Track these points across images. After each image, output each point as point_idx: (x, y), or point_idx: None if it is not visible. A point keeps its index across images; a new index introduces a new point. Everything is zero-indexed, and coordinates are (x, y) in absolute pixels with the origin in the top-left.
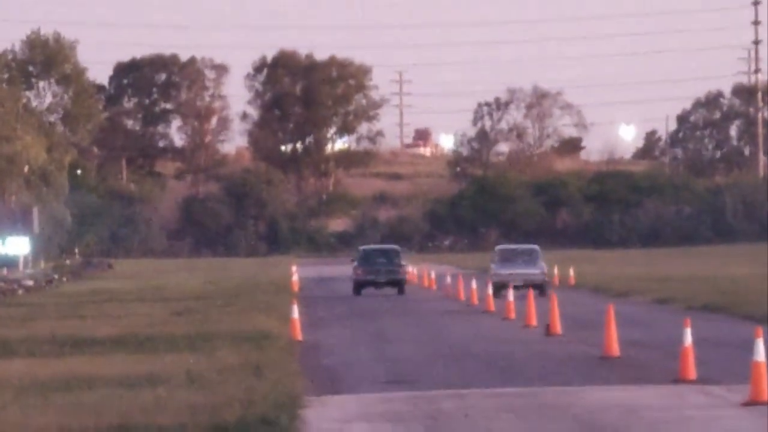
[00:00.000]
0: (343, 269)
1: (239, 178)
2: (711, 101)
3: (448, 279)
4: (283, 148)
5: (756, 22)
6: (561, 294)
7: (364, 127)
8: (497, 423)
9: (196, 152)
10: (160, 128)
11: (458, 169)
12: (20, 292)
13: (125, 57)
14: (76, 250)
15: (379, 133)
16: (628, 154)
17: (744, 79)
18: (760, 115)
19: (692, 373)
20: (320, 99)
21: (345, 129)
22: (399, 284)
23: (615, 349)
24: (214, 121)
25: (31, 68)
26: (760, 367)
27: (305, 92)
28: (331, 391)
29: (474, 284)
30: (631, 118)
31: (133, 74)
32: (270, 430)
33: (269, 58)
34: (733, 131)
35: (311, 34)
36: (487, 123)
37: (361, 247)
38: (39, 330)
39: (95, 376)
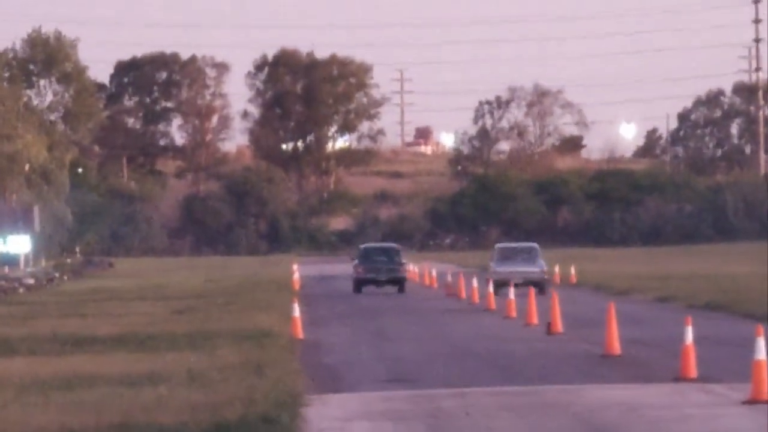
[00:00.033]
0: (344, 267)
1: (240, 176)
2: (712, 99)
3: (449, 277)
4: (284, 146)
5: (757, 20)
6: (562, 292)
7: (365, 126)
8: (498, 421)
9: (197, 151)
10: (161, 127)
11: (459, 167)
12: (21, 290)
13: (126, 55)
14: (77, 249)
15: (380, 132)
16: (628, 153)
17: (745, 78)
18: (761, 113)
19: (693, 371)
20: (321, 97)
21: (346, 127)
22: (399, 282)
23: (616, 347)
24: (214, 119)
25: (32, 67)
26: (761, 366)
27: (306, 90)
28: (332, 390)
29: (475, 283)
30: (632, 116)
31: (134, 73)
32: (271, 428)
33: (270, 57)
34: (734, 129)
35: (312, 33)
36: (488, 121)
37: (362, 246)
38: (40, 328)
39: (96, 375)
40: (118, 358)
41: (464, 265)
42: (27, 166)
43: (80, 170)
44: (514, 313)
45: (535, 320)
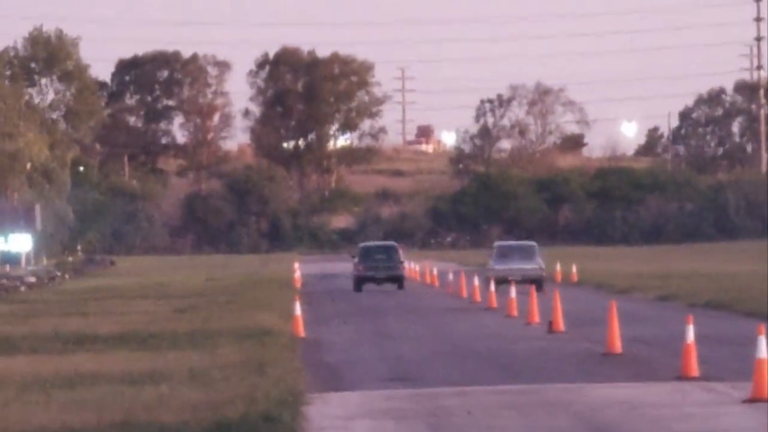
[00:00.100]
0: (345, 266)
1: (241, 174)
2: (713, 98)
3: (450, 276)
4: (285, 144)
5: (758, 19)
6: (563, 291)
7: (366, 124)
8: (499, 420)
9: (199, 149)
10: (163, 125)
11: (460, 165)
12: (23, 289)
13: (127, 54)
14: (79, 247)
15: (382, 130)
16: (630, 151)
17: (746, 76)
18: (762, 111)
19: (694, 370)
20: (322, 96)
21: (347, 126)
22: (398, 280)
23: (617, 346)
24: (216, 117)
25: (33, 65)
26: (763, 364)
27: (307, 89)
28: (333, 388)
29: (476, 281)
30: (634, 114)
31: (136, 71)
32: (272, 427)
33: (271, 55)
34: (736, 128)
35: (313, 31)
36: (490, 120)
37: (361, 244)
38: (41, 327)
39: (98, 373)
40: (120, 356)
41: (465, 264)
42: (28, 165)
43: (82, 169)
44: (515, 312)
45: (536, 319)
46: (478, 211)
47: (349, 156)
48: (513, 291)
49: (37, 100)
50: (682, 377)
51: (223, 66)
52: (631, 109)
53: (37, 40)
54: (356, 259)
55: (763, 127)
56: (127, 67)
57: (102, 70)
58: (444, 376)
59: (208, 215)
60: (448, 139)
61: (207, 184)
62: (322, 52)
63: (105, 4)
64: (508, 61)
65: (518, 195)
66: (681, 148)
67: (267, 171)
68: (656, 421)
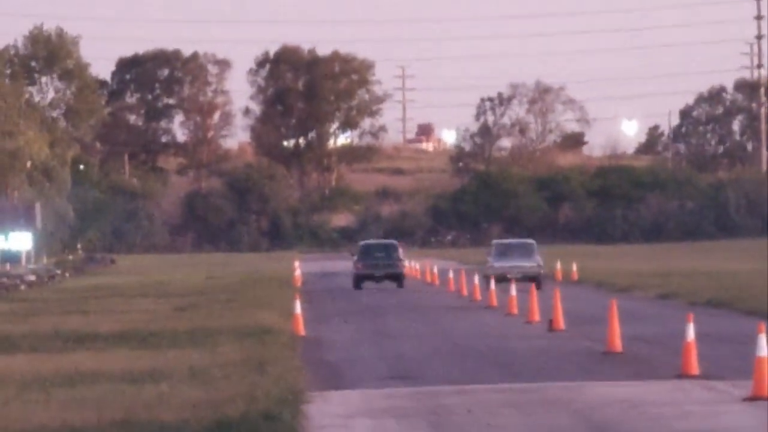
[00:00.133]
0: (345, 264)
1: (242, 173)
2: (714, 96)
3: (451, 274)
4: (285, 143)
5: (759, 17)
6: (564, 289)
7: (366, 123)
8: (500, 418)
9: (199, 147)
10: (163, 123)
11: (461, 164)
12: (23, 287)
13: (128, 52)
14: (79, 246)
15: (382, 128)
16: (630, 150)
17: (747, 74)
18: (763, 110)
19: (695, 368)
20: (323, 94)
21: (347, 124)
22: (398, 278)
23: (618, 344)
24: (216, 116)
25: (33, 64)
26: (763, 363)
27: (308, 87)
28: (333, 387)
29: (476, 279)
30: (634, 113)
31: (136, 69)
32: (272, 425)
33: (272, 53)
34: (736, 126)
35: (314, 29)
36: (490, 118)
37: (361, 242)
38: (41, 325)
39: (98, 372)
40: (120, 355)
41: (466, 262)
42: (29, 163)
43: (82, 167)
44: (515, 310)
45: (536, 317)
46: (478, 209)
47: (350, 154)
48: (513, 289)
49: (37, 99)
50: (683, 375)
51: (224, 64)
52: (632, 108)
53: (37, 39)
54: (356, 257)
55: (763, 126)
56: (127, 66)
57: (102, 68)
58: (444, 374)
59: (208, 214)
60: (449, 137)
61: (207, 183)
62: (323, 51)
63: (105, 3)
64: (509, 60)
65: (518, 193)
66: (681, 147)
67: (267, 169)
68: (656, 419)
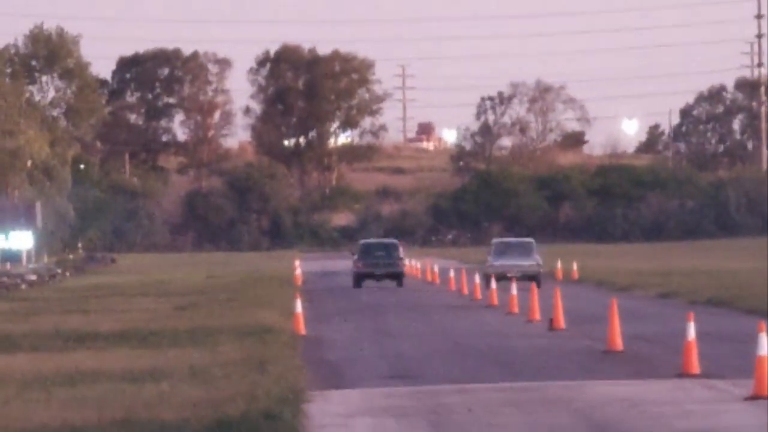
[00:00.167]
0: (346, 263)
1: (242, 172)
2: (714, 95)
3: (451, 273)
4: (286, 142)
5: (759, 16)
6: (564, 288)
7: (367, 122)
8: (500, 417)
9: (199, 147)
10: (163, 123)
11: (461, 163)
12: (23, 286)
13: (128, 51)
14: (79, 245)
15: (382, 128)
16: (631, 148)
17: (747, 73)
18: (763, 108)
19: (695, 367)
20: (323, 93)
21: (348, 123)
22: (397, 277)
23: (618, 343)
24: (217, 115)
25: (34, 63)
26: (764, 362)
27: (308, 86)
28: (334, 386)
29: (477, 278)
30: (634, 112)
31: (136, 69)
32: (273, 424)
33: (272, 53)
34: (736, 125)
35: (314, 29)
36: (490, 117)
37: (361, 241)
38: (42, 325)
39: (98, 371)
40: (120, 354)
41: (466, 261)
42: (29, 163)
43: (82, 166)
44: (516, 309)
45: (537, 316)
46: (478, 208)
47: (350, 153)
48: (514, 288)
49: (37, 98)
50: (683, 374)
51: (224, 63)
52: (632, 107)
53: (37, 38)
54: (356, 256)
55: (763, 125)
56: (127, 65)
57: (103, 67)
58: (445, 373)
59: (208, 213)
60: (449, 136)
61: (208, 182)
62: (323, 50)
63: (106, 3)
64: (509, 59)
65: (519, 192)
66: (682, 146)
67: (268, 168)
68: (657, 418)
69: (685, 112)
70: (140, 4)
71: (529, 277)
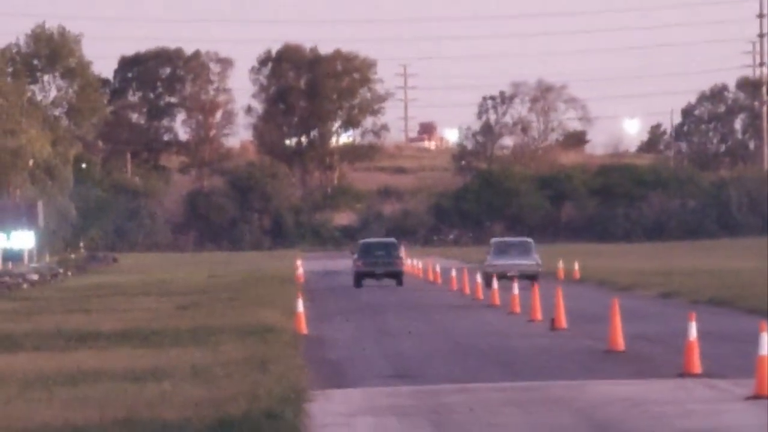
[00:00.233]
0: (347, 263)
1: (244, 171)
2: (716, 95)
3: (453, 273)
4: (287, 141)
5: (761, 15)
6: (566, 288)
7: (368, 121)
8: (501, 417)
9: (201, 146)
10: (165, 122)
11: (463, 162)
12: (25, 286)
13: (130, 51)
14: (81, 244)
15: (384, 127)
16: (632, 148)
17: (749, 73)
18: (765, 108)
19: (697, 367)
20: (325, 93)
21: (350, 123)
22: (397, 276)
23: (620, 343)
24: (218, 114)
25: (35, 62)
26: (765, 361)
27: (310, 86)
28: (335, 385)
29: (479, 278)
30: (636, 111)
31: (138, 68)
32: (275, 424)
33: (274, 52)
34: (738, 125)
35: (316, 28)
36: (492, 117)
37: (361, 241)
38: (44, 324)
39: (100, 370)
40: (122, 353)
41: (468, 261)
42: (31, 162)
43: (84, 165)
44: (517, 309)
45: (539, 316)
46: (480, 208)
47: (352, 153)
48: (516, 288)
49: (39, 97)
50: (685, 374)
51: (226, 63)
52: (634, 106)
53: (39, 37)
54: (356, 255)
55: (765, 124)
56: (129, 64)
57: (104, 67)
58: (446, 373)
59: (210, 212)
60: (451, 136)
61: (209, 181)
62: (325, 49)
63: (107, 2)
64: (510, 58)
65: (521, 192)
66: (683, 145)
67: (269, 168)
68: (658, 418)
69: (687, 112)
70: (142, 3)
71: (528, 277)
